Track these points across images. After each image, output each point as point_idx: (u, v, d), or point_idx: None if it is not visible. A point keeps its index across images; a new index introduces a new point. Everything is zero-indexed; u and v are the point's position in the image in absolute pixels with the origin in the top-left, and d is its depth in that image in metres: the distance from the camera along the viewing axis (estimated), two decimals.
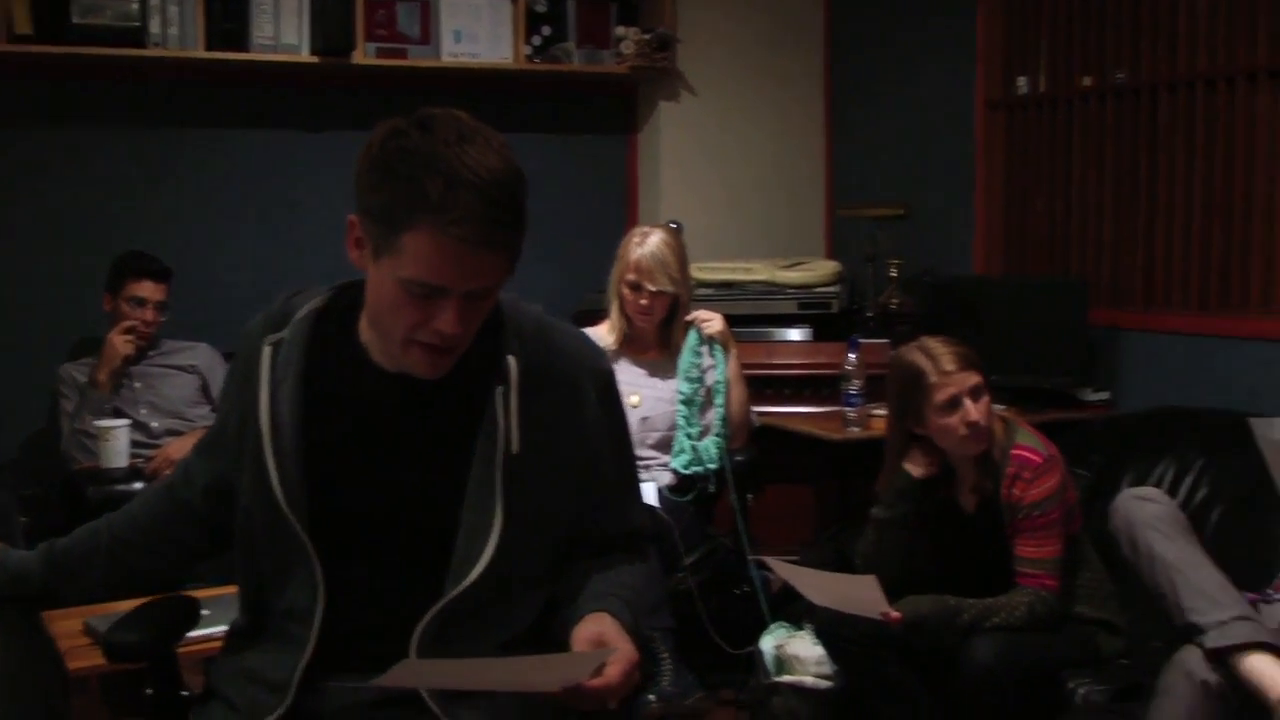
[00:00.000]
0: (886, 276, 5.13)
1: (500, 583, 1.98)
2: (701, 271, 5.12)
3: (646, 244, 4.04)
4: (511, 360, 2.00)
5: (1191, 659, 2.69)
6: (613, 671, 1.90)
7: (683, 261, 4.13)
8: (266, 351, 2.02)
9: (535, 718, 2.01)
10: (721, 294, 5.05)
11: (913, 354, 3.29)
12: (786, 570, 3.33)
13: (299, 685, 1.96)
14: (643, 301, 4.04)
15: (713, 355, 4.13)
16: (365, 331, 2.01)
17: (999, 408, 3.36)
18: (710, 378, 4.13)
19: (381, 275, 1.85)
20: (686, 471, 4.04)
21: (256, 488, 2.00)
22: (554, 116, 5.66)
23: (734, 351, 4.17)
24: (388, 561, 2.01)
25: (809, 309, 5.05)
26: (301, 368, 2.01)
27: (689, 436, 4.07)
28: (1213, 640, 2.67)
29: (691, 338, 4.12)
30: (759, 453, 4.27)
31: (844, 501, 4.55)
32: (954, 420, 3.22)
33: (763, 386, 4.74)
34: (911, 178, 5.50)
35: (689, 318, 4.14)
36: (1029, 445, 3.26)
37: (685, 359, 4.10)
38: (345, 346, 2.02)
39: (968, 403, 3.21)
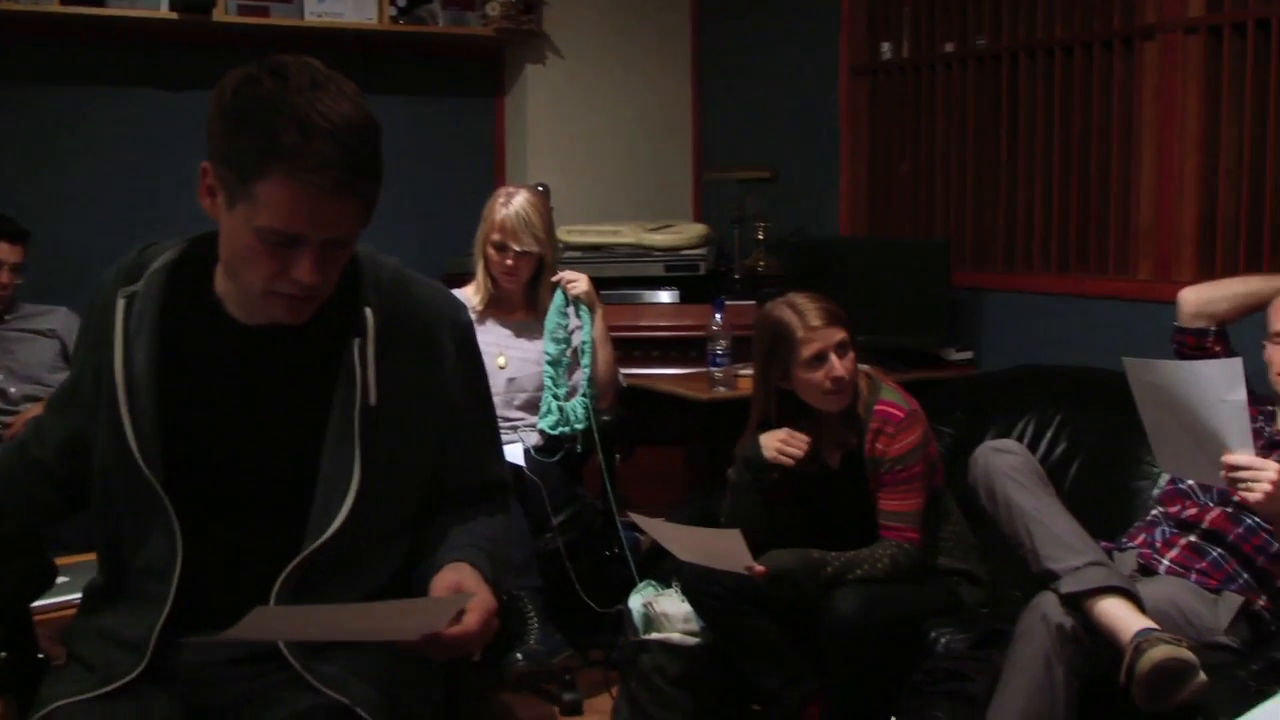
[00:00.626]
0: (753, 239, 5.18)
1: (359, 536, 1.97)
2: (569, 234, 5.10)
3: (511, 204, 4.01)
4: (369, 312, 1.98)
5: (1047, 604, 2.75)
6: (471, 619, 1.89)
7: (548, 222, 4.11)
8: (120, 305, 1.98)
9: (398, 671, 2.00)
10: (589, 257, 5.04)
11: (780, 309, 3.31)
12: (653, 527, 3.34)
13: (156, 644, 1.93)
14: (508, 262, 4.02)
15: (579, 316, 4.13)
16: (221, 284, 1.97)
17: (864, 366, 3.40)
18: (576, 338, 4.13)
19: (236, 224, 1.82)
20: (554, 432, 4.03)
21: (112, 444, 1.96)
22: (419, 79, 5.60)
23: (600, 312, 4.17)
24: (246, 516, 1.98)
25: (676, 271, 5.05)
26: (156, 321, 1.97)
27: (556, 397, 4.06)
28: (1067, 585, 2.73)
29: (557, 298, 4.11)
30: (626, 413, 4.27)
31: (713, 461, 4.57)
32: (819, 375, 3.25)
33: (630, 348, 4.75)
34: (778, 141, 5.54)
35: (555, 278, 4.13)
36: (892, 401, 3.30)
37: (551, 320, 4.09)
38: (201, 299, 1.98)
39: (833, 358, 3.24)
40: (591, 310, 4.14)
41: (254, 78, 1.78)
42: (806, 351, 3.24)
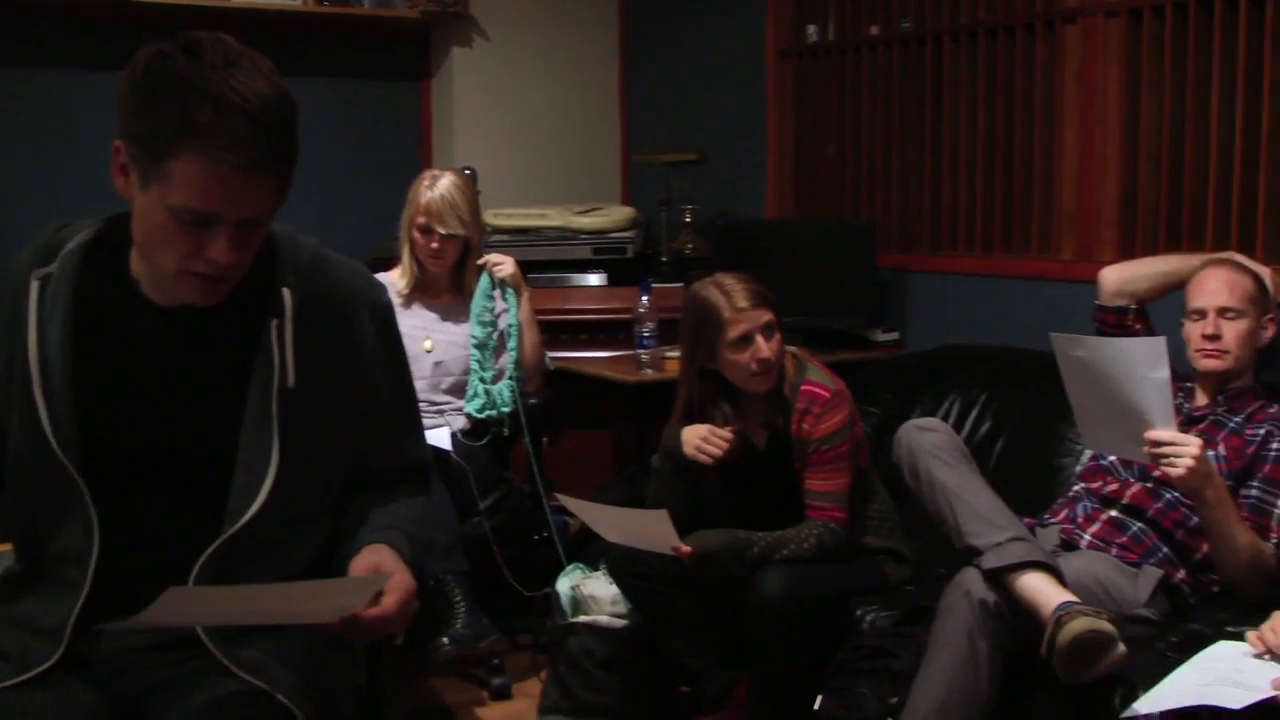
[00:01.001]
0: (681, 221, 5.18)
1: (279, 519, 1.95)
2: (496, 218, 5.08)
3: (437, 187, 3.99)
4: (286, 292, 1.96)
5: (970, 579, 2.77)
6: (389, 600, 1.88)
7: (474, 205, 4.09)
8: (34, 286, 1.94)
9: (319, 655, 1.98)
10: (516, 240, 5.02)
11: (707, 290, 3.31)
12: (581, 508, 3.34)
13: (73, 632, 1.90)
14: (434, 245, 4.00)
15: (505, 299, 4.11)
16: (136, 265, 1.94)
17: (791, 347, 3.41)
18: (503, 321, 4.11)
19: (150, 203, 1.79)
20: (480, 416, 4.02)
21: (26, 429, 1.92)
22: (345, 61, 5.54)
23: (526, 294, 4.15)
24: (164, 500, 1.96)
25: (604, 254, 5.04)
26: (70, 303, 1.93)
27: (482, 380, 4.04)
28: (990, 561, 2.76)
29: (483, 281, 4.09)
30: (554, 396, 4.26)
31: (641, 444, 4.57)
32: (745, 356, 3.25)
33: (558, 331, 4.74)
34: (705, 124, 5.54)
35: (480, 261, 4.11)
36: (818, 381, 3.31)
37: (477, 303, 4.07)
38: (116, 280, 1.95)
39: (759, 340, 3.25)
40: (518, 293, 4.12)
41: (166, 54, 1.76)
42: (733, 332, 3.24)
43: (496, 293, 4.10)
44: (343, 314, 2.03)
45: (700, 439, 3.32)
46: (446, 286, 4.13)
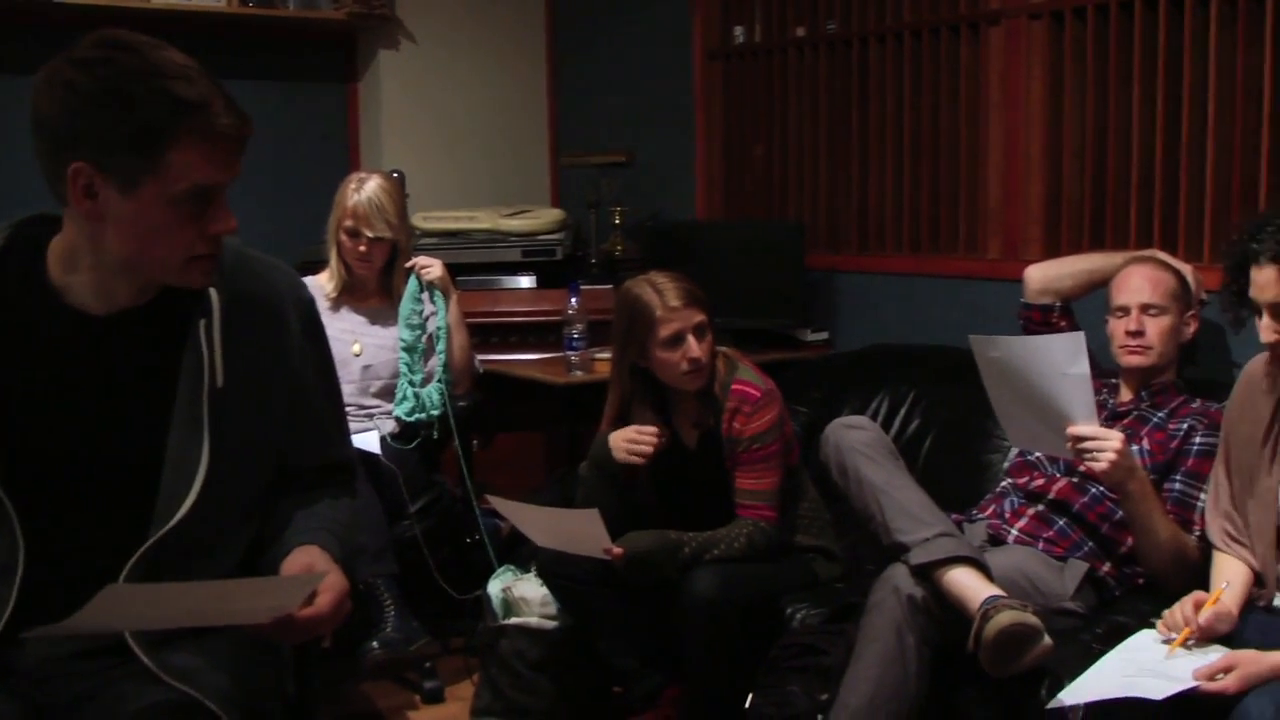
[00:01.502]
0: (610, 223, 5.18)
1: (207, 521, 1.93)
2: (425, 221, 5.06)
3: (363, 190, 3.97)
4: (213, 292, 1.94)
5: (898, 575, 2.79)
6: (323, 600, 1.88)
7: (401, 207, 4.07)
8: None
9: (248, 659, 1.97)
10: (445, 243, 5.00)
11: (640, 288, 3.31)
12: (511, 510, 3.33)
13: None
14: (361, 248, 3.98)
15: (433, 301, 4.09)
16: (60, 274, 1.91)
17: (722, 347, 3.41)
18: (432, 324, 4.09)
19: (140, 207, 1.78)
20: (410, 419, 4.00)
21: None
22: (270, 64, 5.49)
23: (454, 297, 4.13)
24: (92, 507, 1.94)
25: (533, 256, 5.04)
26: None
27: (411, 384, 4.02)
28: (917, 557, 2.78)
29: (411, 284, 4.07)
30: (484, 399, 4.25)
31: (572, 446, 4.56)
32: (676, 356, 3.26)
33: (488, 334, 4.73)
34: (633, 126, 5.54)
35: (408, 264, 4.09)
36: (749, 380, 3.32)
37: (406, 306, 4.05)
38: (33, 289, 1.92)
39: (691, 339, 3.25)
40: (446, 295, 4.10)
41: (103, 60, 1.76)
42: (665, 331, 3.25)
43: (425, 295, 4.08)
44: (269, 312, 2.03)
45: (628, 441, 3.32)
46: (374, 290, 4.10)
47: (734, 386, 3.31)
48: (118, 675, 1.89)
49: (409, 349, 4.02)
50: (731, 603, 3.15)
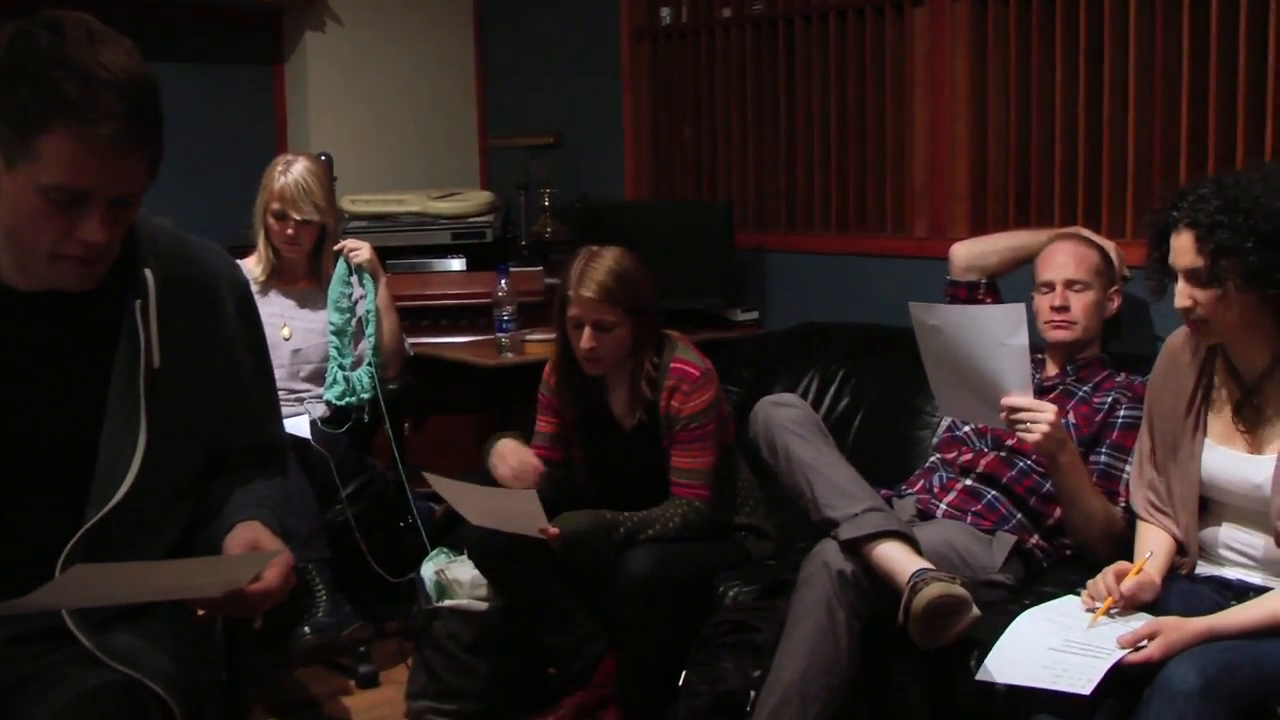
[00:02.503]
0: (539, 205, 5.17)
1: (144, 502, 1.93)
2: (353, 204, 5.03)
3: (290, 173, 3.94)
4: (148, 273, 1.94)
5: (828, 550, 2.82)
6: (271, 575, 1.90)
7: (328, 190, 4.05)
8: None
9: (185, 638, 1.98)
10: (374, 226, 4.96)
11: (577, 259, 3.32)
12: (447, 487, 3.31)
13: None
14: (289, 231, 3.95)
15: (362, 284, 4.07)
16: None
17: (669, 330, 3.44)
18: (361, 308, 4.07)
19: (17, 186, 1.76)
20: (340, 403, 3.97)
21: None
22: (196, 46, 5.42)
23: (383, 280, 4.12)
24: (27, 489, 1.92)
25: (463, 239, 5.01)
26: None
27: (341, 367, 4.00)
28: (846, 532, 2.80)
29: (340, 267, 4.04)
30: (415, 381, 4.23)
31: (505, 428, 4.54)
32: (576, 337, 3.30)
33: (419, 317, 4.71)
34: (562, 107, 5.54)
35: (336, 247, 4.06)
36: (688, 360, 3.34)
37: (334, 289, 4.02)
38: None
39: (587, 331, 3.27)
40: (375, 278, 4.08)
41: (28, 32, 1.74)
42: (570, 311, 3.29)
43: (354, 278, 4.06)
44: (204, 294, 2.03)
45: (512, 472, 3.33)
46: (303, 273, 4.08)
47: (673, 365, 3.32)
48: (58, 658, 1.88)
49: (338, 332, 4.00)
50: (666, 582, 3.17)
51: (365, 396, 3.99)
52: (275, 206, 3.94)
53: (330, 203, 4.06)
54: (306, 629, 3.54)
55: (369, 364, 4.03)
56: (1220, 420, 2.68)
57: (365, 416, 3.99)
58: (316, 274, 4.07)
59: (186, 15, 5.36)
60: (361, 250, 4.07)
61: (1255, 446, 2.61)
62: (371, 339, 4.05)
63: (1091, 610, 2.57)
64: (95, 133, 1.71)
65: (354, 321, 4.05)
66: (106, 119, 1.71)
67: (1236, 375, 2.66)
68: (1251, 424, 2.62)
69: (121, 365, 1.92)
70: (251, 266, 4.01)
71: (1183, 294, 2.56)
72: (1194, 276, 2.52)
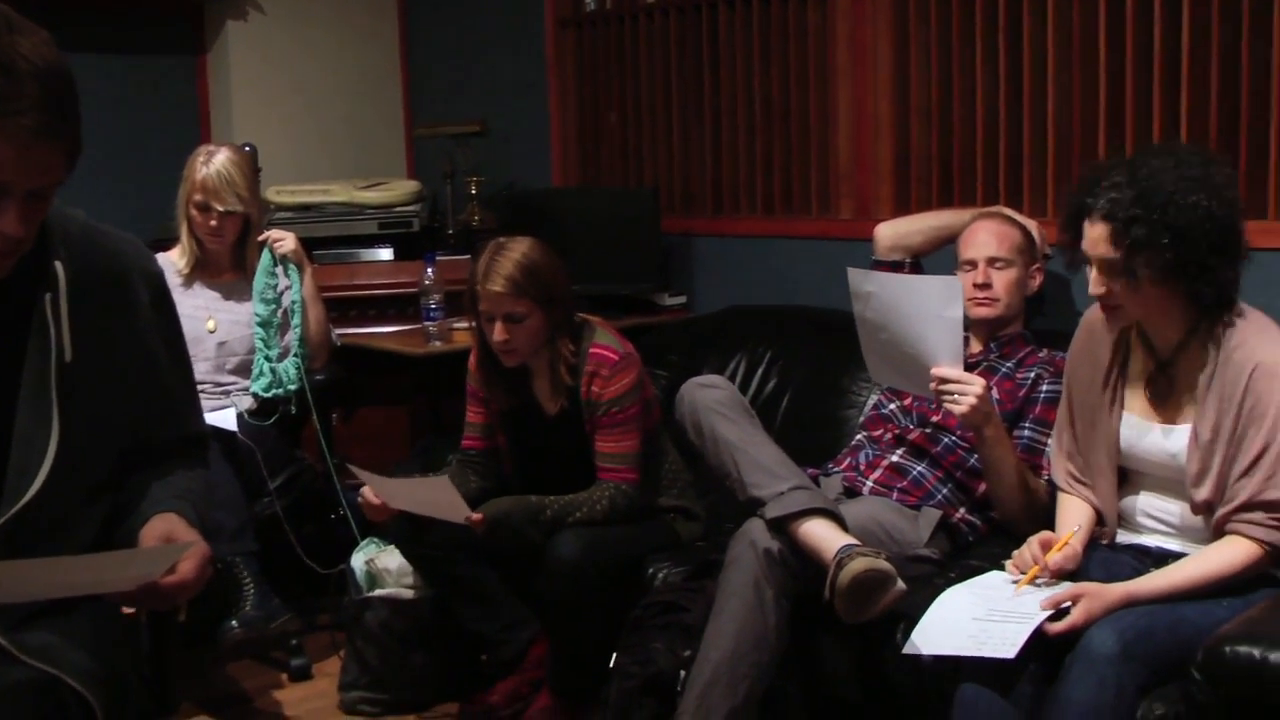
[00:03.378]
0: (466, 193, 5.15)
1: (59, 498, 1.90)
2: (279, 195, 5.00)
3: (212, 163, 3.90)
4: (59, 266, 1.90)
5: (755, 529, 2.83)
6: (186, 567, 1.87)
7: (251, 180, 4.01)
8: None
9: (107, 638, 1.95)
10: (300, 217, 4.92)
11: (485, 252, 3.33)
12: (371, 480, 3.32)
13: None
14: (212, 223, 3.92)
15: (287, 275, 4.04)
16: None
17: (589, 316, 3.44)
18: (286, 299, 4.04)
19: None
20: (267, 394, 3.93)
21: None
22: (116, 37, 5.36)
23: (309, 270, 4.08)
24: None
25: (390, 229, 4.99)
26: None
27: (268, 359, 3.96)
28: (772, 511, 2.82)
29: (265, 258, 4.01)
30: (343, 372, 4.20)
31: (435, 417, 4.55)
32: (488, 329, 3.31)
33: (347, 308, 4.68)
34: (488, 95, 5.52)
35: (261, 238, 4.03)
36: (607, 344, 3.34)
37: (259, 280, 3.99)
38: None
39: (498, 324, 3.27)
40: (300, 269, 4.05)
41: None
42: (480, 304, 3.30)
43: (279, 269, 4.02)
44: (117, 285, 2.00)
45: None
46: (228, 265, 4.04)
47: (591, 350, 3.32)
48: None
49: (264, 324, 3.97)
50: (595, 565, 3.18)
51: (292, 388, 3.96)
52: (198, 198, 3.90)
53: (254, 193, 4.02)
54: (234, 623, 3.51)
55: (295, 355, 4.00)
56: (1136, 393, 2.72)
57: (293, 408, 3.96)
58: (241, 266, 4.04)
59: (105, 5, 5.30)
60: (286, 241, 4.03)
61: (1170, 417, 2.65)
62: (298, 330, 4.02)
63: (1016, 580, 2.60)
64: (17, 124, 1.68)
65: (279, 313, 4.01)
66: (29, 110, 1.68)
67: (1151, 349, 2.70)
68: (1165, 396, 2.67)
69: (32, 360, 1.88)
70: (175, 259, 3.97)
71: (1097, 282, 2.59)
72: (1108, 267, 2.55)
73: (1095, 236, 2.56)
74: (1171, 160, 2.54)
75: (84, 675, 1.83)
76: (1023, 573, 2.60)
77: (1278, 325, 2.62)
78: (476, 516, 3.17)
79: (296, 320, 4.02)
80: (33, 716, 1.79)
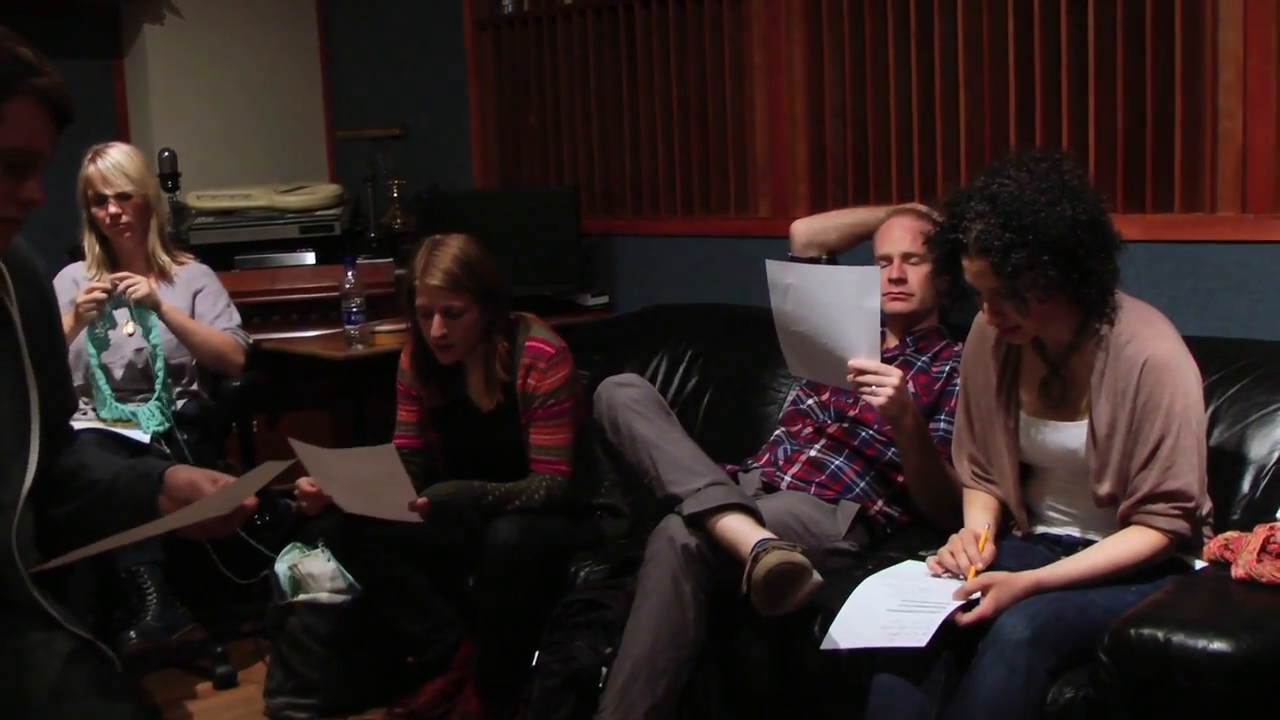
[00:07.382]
0: (388, 196, 5.15)
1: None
2: (199, 200, 4.96)
3: (100, 158, 3.88)
4: (3, 267, 1.98)
5: (672, 526, 2.86)
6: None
7: (144, 167, 3.97)
8: None
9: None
10: (221, 221, 4.90)
11: (422, 249, 3.35)
12: (309, 453, 3.17)
13: None
14: (111, 209, 3.86)
15: (136, 320, 3.88)
16: None
17: (524, 313, 3.47)
18: (133, 346, 3.93)
19: None
20: (160, 429, 3.83)
21: None
22: (29, 40, 5.30)
23: (166, 307, 3.90)
24: None
25: (311, 233, 4.96)
26: None
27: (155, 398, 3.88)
28: (690, 507, 2.84)
29: (106, 308, 3.85)
30: (263, 378, 4.17)
31: (359, 420, 4.54)
32: (426, 325, 3.33)
33: (269, 313, 4.67)
34: (408, 98, 5.52)
35: (113, 277, 3.85)
36: (543, 338, 3.40)
37: (96, 326, 3.85)
38: None
39: (437, 319, 3.29)
40: (157, 311, 3.88)
41: None
42: (418, 300, 3.32)
43: (124, 312, 3.86)
44: (36, 282, 2.07)
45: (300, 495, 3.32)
46: (141, 268, 3.98)
47: (528, 344, 3.37)
48: None
49: (100, 366, 3.86)
50: (533, 550, 3.23)
51: (159, 429, 3.82)
52: (91, 192, 3.88)
53: (149, 179, 3.98)
54: (132, 633, 3.48)
55: (157, 399, 3.87)
56: (1031, 393, 2.77)
57: (183, 442, 3.82)
58: (153, 265, 3.99)
59: (17, 8, 5.23)
60: (139, 286, 3.84)
61: (1066, 415, 2.71)
62: (160, 374, 3.88)
63: (938, 576, 2.64)
64: (55, 95, 1.83)
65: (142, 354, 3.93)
66: (61, 84, 1.84)
67: (1043, 349, 2.74)
68: (1060, 394, 2.71)
69: (3, 346, 1.96)
70: (84, 271, 3.94)
71: (991, 311, 2.63)
72: (996, 295, 2.59)
73: (976, 270, 2.58)
74: (1024, 173, 2.56)
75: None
76: (949, 571, 2.64)
77: (1158, 312, 2.67)
78: (422, 501, 3.17)
79: (159, 364, 3.89)
80: (94, 673, 1.92)
